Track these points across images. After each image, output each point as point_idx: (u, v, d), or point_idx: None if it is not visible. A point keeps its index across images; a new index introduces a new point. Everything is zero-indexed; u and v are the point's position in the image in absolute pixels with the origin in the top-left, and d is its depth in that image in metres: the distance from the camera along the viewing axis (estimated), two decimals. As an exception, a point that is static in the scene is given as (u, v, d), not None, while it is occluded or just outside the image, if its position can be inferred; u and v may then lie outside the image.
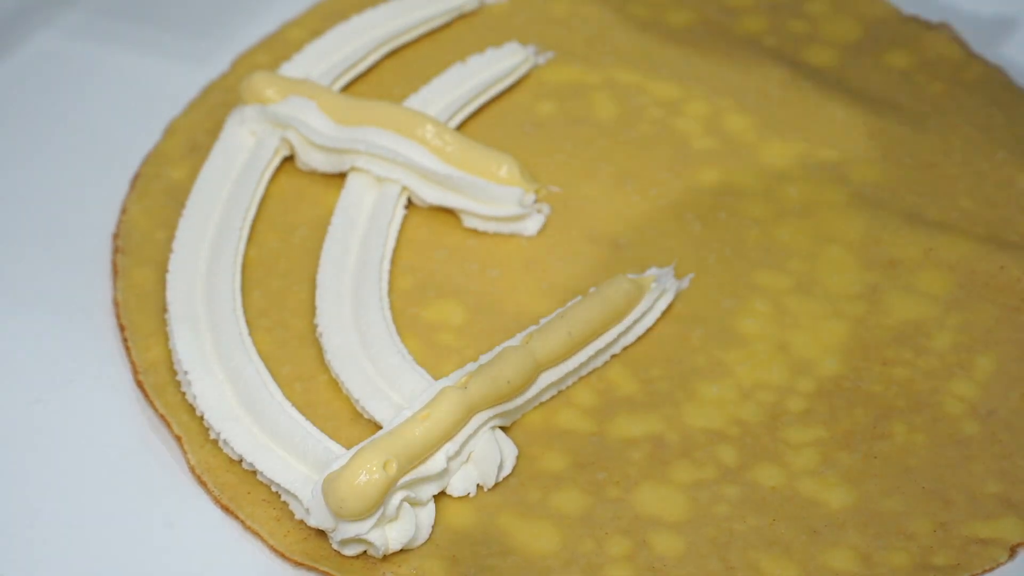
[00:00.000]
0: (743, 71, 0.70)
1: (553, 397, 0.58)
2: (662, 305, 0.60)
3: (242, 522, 0.54)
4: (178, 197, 0.64)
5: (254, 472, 0.55)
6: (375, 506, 0.52)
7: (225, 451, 0.56)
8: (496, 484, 0.55)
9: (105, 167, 0.66)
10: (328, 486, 0.52)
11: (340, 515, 0.52)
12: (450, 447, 0.54)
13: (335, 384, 0.58)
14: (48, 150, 0.67)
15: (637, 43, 0.72)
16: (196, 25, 0.74)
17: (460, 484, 0.55)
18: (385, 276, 0.62)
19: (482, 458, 0.55)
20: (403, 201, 0.64)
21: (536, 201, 0.64)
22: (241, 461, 0.56)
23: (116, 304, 0.61)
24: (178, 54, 0.72)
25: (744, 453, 0.56)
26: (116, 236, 0.63)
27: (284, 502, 0.55)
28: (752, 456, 0.56)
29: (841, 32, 0.72)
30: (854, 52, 0.71)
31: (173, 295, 0.60)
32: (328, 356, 0.58)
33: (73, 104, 0.69)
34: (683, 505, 0.54)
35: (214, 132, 0.67)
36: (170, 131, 0.68)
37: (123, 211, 0.65)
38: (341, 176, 0.65)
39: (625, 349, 0.59)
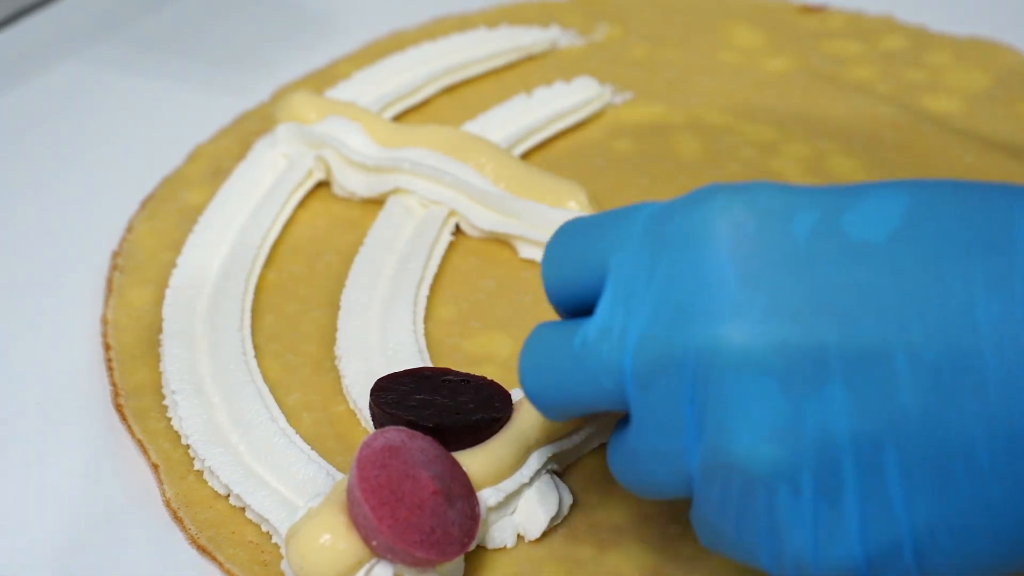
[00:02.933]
0: (851, 113, 0.61)
1: (617, 438, 0.47)
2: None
3: (220, 565, 0.44)
4: (192, 220, 0.56)
5: (242, 508, 0.45)
6: (346, 574, 0.41)
7: (210, 483, 0.46)
8: (541, 536, 0.44)
9: (121, 188, 0.59)
10: (289, 540, 0.42)
11: None
12: (491, 495, 0.43)
13: (351, 415, 0.48)
14: (67, 170, 0.61)
15: (727, 86, 0.63)
16: (239, 60, 0.67)
17: (498, 533, 0.44)
18: (422, 302, 0.52)
19: (531, 503, 0.44)
20: (450, 226, 0.55)
21: (606, 234, 0.55)
22: (228, 495, 0.45)
23: (104, 323, 0.52)
24: (217, 86, 0.65)
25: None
26: (116, 254, 0.55)
27: (276, 544, 0.44)
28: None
29: (967, 80, 0.64)
30: (983, 100, 0.62)
31: (170, 311, 0.51)
32: (347, 382, 0.49)
33: (100, 128, 0.64)
34: (777, 569, 0.43)
35: (241, 158, 0.59)
36: (194, 156, 0.60)
37: (128, 230, 0.56)
38: (379, 204, 0.56)
39: (707, 392, 0.49)
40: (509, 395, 0.45)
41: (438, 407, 0.44)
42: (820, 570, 0.35)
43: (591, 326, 0.38)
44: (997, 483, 0.33)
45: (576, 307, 0.40)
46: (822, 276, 0.34)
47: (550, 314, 0.52)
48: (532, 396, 0.40)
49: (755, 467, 0.34)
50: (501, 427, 0.44)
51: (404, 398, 0.45)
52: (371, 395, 0.45)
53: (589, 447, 0.47)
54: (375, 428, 0.45)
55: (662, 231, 0.37)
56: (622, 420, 0.39)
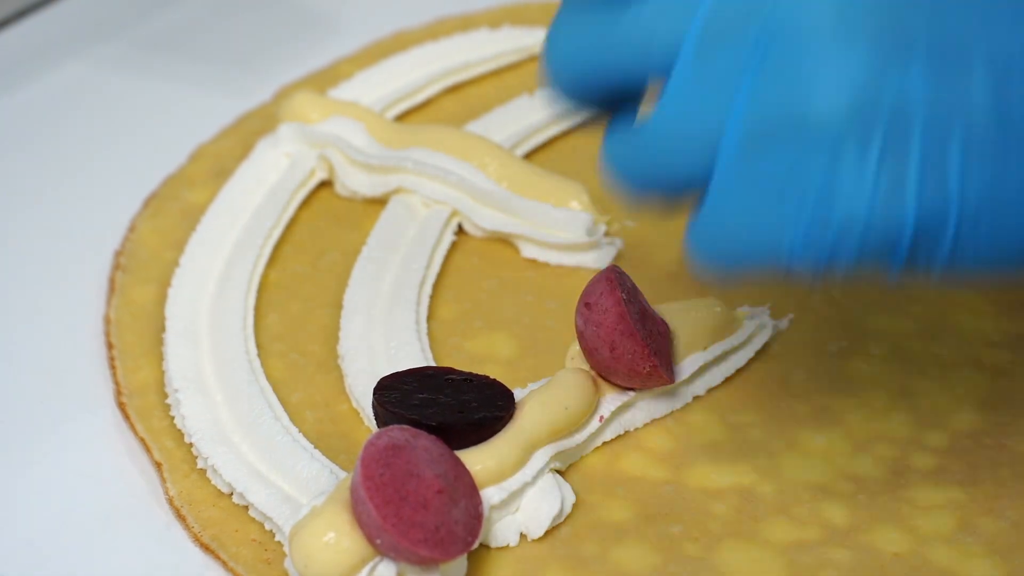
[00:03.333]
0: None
1: (619, 438, 0.47)
2: (756, 344, 0.50)
3: (224, 563, 0.44)
4: (194, 219, 0.56)
5: (245, 507, 0.45)
6: (350, 573, 0.41)
7: (213, 481, 0.46)
8: (544, 534, 0.44)
9: (124, 187, 0.59)
10: (293, 538, 0.42)
11: None
12: (494, 493, 0.43)
13: (355, 414, 0.48)
14: (70, 170, 0.61)
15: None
16: (242, 60, 0.67)
17: (501, 532, 0.44)
18: (425, 301, 0.52)
19: (533, 502, 0.44)
20: (453, 226, 0.55)
21: (607, 234, 0.55)
22: (231, 493, 0.45)
23: (107, 322, 0.52)
24: (220, 86, 0.65)
25: (858, 513, 0.44)
26: (119, 253, 0.55)
27: (279, 543, 0.44)
28: (868, 516, 0.44)
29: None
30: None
31: (173, 310, 0.51)
32: (349, 381, 0.49)
33: (103, 127, 0.64)
34: (779, 568, 0.43)
35: (244, 158, 0.59)
36: (197, 155, 0.60)
37: (131, 229, 0.56)
38: (382, 204, 0.57)
39: (710, 391, 0.49)
40: (512, 394, 0.45)
41: (441, 406, 0.44)
42: (870, 228, 0.36)
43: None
44: None
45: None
46: None
47: (552, 314, 0.52)
48: (555, 61, 0.40)
49: (831, 117, 0.36)
50: (504, 426, 0.44)
51: (407, 397, 0.45)
52: (374, 394, 0.45)
53: (592, 446, 0.47)
54: (378, 427, 0.45)
55: None
56: (627, 109, 0.39)
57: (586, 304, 0.46)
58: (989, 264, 0.37)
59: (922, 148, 0.36)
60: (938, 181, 0.36)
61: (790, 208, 0.37)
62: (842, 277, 0.37)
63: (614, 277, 0.45)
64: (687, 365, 0.48)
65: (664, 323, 0.47)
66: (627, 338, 0.45)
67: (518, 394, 0.46)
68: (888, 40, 0.36)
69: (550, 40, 0.40)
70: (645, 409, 0.47)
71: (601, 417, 0.46)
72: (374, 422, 0.46)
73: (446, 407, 0.44)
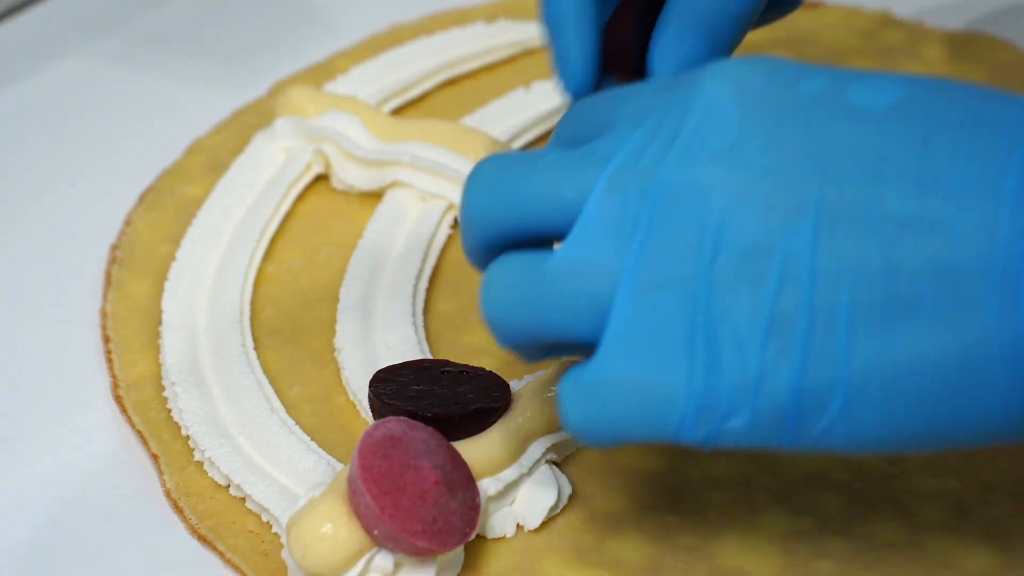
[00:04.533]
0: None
1: (616, 429, 0.47)
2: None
3: (222, 555, 0.44)
4: (191, 213, 0.56)
5: (242, 499, 0.45)
6: (347, 563, 0.41)
7: (211, 473, 0.46)
8: (541, 525, 0.44)
9: (120, 181, 0.59)
10: (291, 529, 0.42)
11: (304, 567, 0.41)
12: (490, 485, 0.43)
13: (352, 407, 0.48)
14: (66, 165, 0.61)
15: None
16: (238, 54, 0.67)
17: (497, 523, 0.44)
18: (422, 295, 0.52)
19: (530, 493, 0.44)
20: (449, 220, 0.55)
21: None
22: (228, 486, 0.45)
23: (104, 315, 0.52)
24: (216, 80, 0.65)
25: (854, 502, 0.44)
26: (115, 247, 0.55)
27: (276, 534, 0.44)
28: (865, 505, 0.44)
29: (964, 75, 0.64)
30: (979, 93, 0.62)
31: (170, 303, 0.52)
32: (346, 374, 0.49)
33: (99, 122, 0.64)
34: (775, 557, 0.43)
35: (240, 152, 0.59)
36: (193, 149, 0.60)
37: (127, 223, 0.57)
38: (378, 197, 0.57)
39: (706, 383, 0.49)
40: (508, 385, 0.45)
41: (437, 397, 0.44)
42: (757, 402, 0.35)
43: (575, 151, 0.38)
44: (933, 339, 0.35)
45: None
46: (817, 128, 0.36)
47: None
48: (468, 213, 0.39)
49: (722, 279, 0.35)
50: (500, 416, 0.44)
51: (403, 389, 0.45)
52: (370, 386, 0.45)
53: (589, 437, 0.47)
54: (375, 419, 0.45)
55: (671, 86, 0.38)
56: (537, 251, 0.38)
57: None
58: (880, 436, 0.36)
59: (810, 311, 0.35)
60: (825, 349, 0.35)
61: (680, 377, 0.36)
62: (732, 446, 0.36)
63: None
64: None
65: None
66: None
67: (514, 386, 0.46)
68: (781, 203, 0.35)
69: (466, 190, 0.40)
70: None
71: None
72: (371, 414, 0.46)
73: (442, 399, 0.44)
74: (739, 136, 0.36)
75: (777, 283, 0.35)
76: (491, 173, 0.39)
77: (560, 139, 0.40)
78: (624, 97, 0.39)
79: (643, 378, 0.36)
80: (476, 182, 0.39)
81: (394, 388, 0.45)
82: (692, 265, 0.36)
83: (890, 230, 0.35)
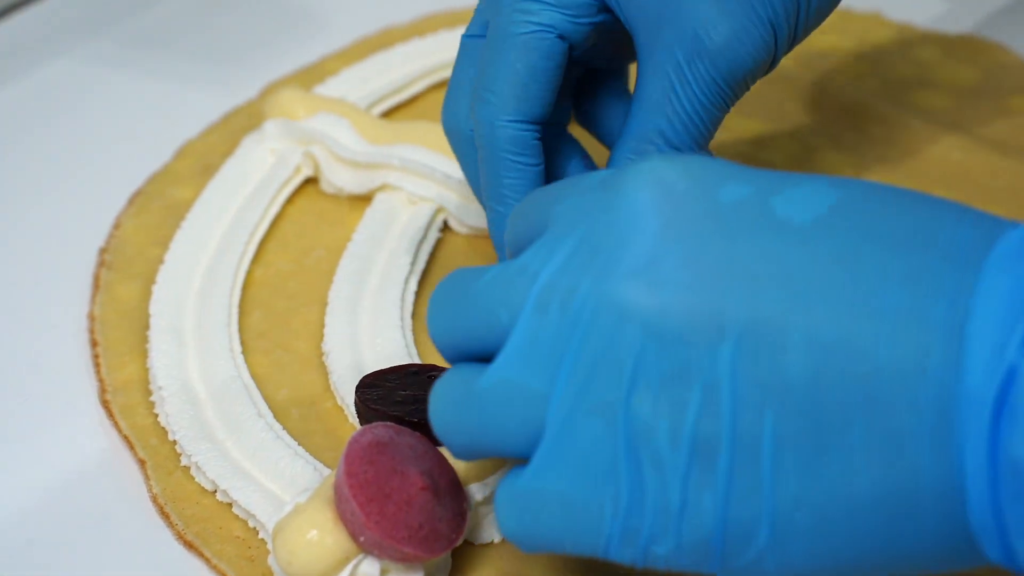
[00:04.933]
0: (840, 108, 0.61)
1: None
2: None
3: (208, 561, 0.44)
4: (180, 215, 0.56)
5: (229, 504, 0.45)
6: (333, 570, 0.41)
7: (197, 479, 0.46)
8: (528, 530, 0.44)
9: (109, 184, 0.59)
10: (277, 535, 0.42)
11: (289, 573, 0.41)
12: (478, 490, 0.43)
13: (339, 411, 0.48)
14: (55, 167, 0.61)
15: (719, 82, 0.63)
16: (228, 56, 0.67)
17: (485, 529, 0.44)
18: (410, 299, 0.52)
19: (512, 499, 0.44)
20: (438, 223, 0.55)
21: (595, 230, 0.55)
22: (215, 491, 0.45)
23: (92, 319, 0.52)
24: (206, 82, 0.65)
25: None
26: (104, 250, 0.55)
27: (262, 540, 0.44)
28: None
29: (955, 77, 0.63)
30: (972, 96, 0.62)
31: (158, 307, 0.51)
32: (334, 378, 0.49)
33: (88, 124, 0.64)
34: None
35: (229, 154, 0.59)
36: (183, 152, 0.60)
37: (116, 226, 0.56)
38: (367, 200, 0.56)
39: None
40: None
41: (423, 402, 0.44)
42: (680, 533, 0.35)
43: (511, 264, 0.37)
44: (862, 472, 0.33)
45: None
46: (739, 242, 0.35)
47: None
48: (430, 318, 0.39)
49: (639, 409, 0.35)
50: (488, 422, 0.44)
51: (389, 394, 0.45)
52: (356, 392, 0.45)
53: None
54: (361, 425, 0.45)
55: (603, 184, 0.37)
56: (471, 367, 0.38)
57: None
58: (814, 569, 0.34)
59: (732, 438, 0.34)
60: (750, 480, 0.34)
61: (606, 500, 0.35)
62: (662, 569, 0.36)
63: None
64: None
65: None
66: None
67: (503, 390, 0.46)
68: (700, 323, 0.34)
69: (428, 307, 0.40)
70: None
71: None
72: (358, 419, 0.46)
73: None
74: (657, 250, 0.35)
75: (697, 410, 0.34)
76: (443, 292, 0.39)
77: (508, 240, 0.40)
78: (561, 195, 0.38)
79: (572, 496, 0.36)
80: (433, 300, 0.40)
81: (380, 393, 0.45)
82: (614, 390, 0.35)
83: (816, 355, 0.33)
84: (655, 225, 0.35)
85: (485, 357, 0.38)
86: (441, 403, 0.38)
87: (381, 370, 0.46)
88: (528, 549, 0.38)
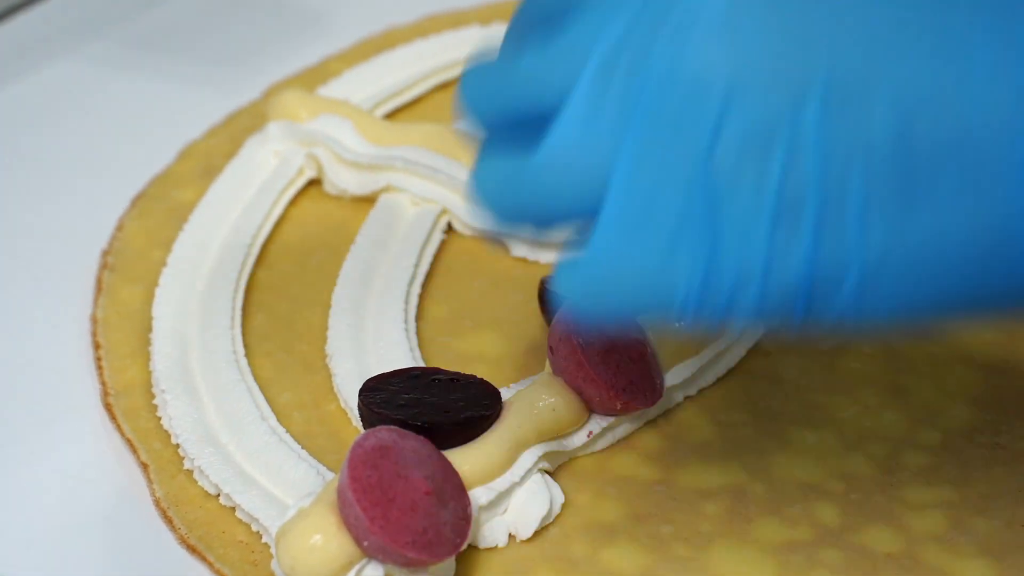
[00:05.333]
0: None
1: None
2: (747, 343, 0.49)
3: (211, 565, 0.43)
4: (183, 218, 0.56)
5: (232, 508, 0.45)
6: (337, 574, 0.41)
7: (200, 482, 0.45)
8: (533, 534, 0.44)
9: (112, 186, 0.59)
10: (280, 540, 0.41)
11: None
12: (482, 494, 0.43)
13: (343, 414, 0.48)
14: (57, 169, 0.61)
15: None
16: (231, 58, 0.67)
17: (489, 533, 0.44)
18: (414, 300, 0.52)
19: (522, 502, 0.44)
20: (442, 224, 0.55)
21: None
22: (218, 495, 0.45)
23: (94, 321, 0.52)
24: (209, 84, 0.65)
25: (849, 512, 0.44)
26: (106, 252, 0.55)
27: (266, 544, 0.44)
28: (860, 516, 0.44)
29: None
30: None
31: (161, 310, 0.51)
32: (338, 381, 0.48)
33: (91, 126, 0.63)
34: (770, 569, 0.43)
35: (232, 156, 0.59)
36: (185, 154, 0.60)
37: (118, 228, 0.56)
38: (371, 202, 0.56)
39: (702, 391, 0.48)
40: (499, 393, 0.45)
41: (427, 406, 0.44)
42: (766, 282, 0.34)
43: (556, 41, 0.36)
44: (953, 217, 0.33)
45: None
46: (821, 4, 0.34)
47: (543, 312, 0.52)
48: (466, 92, 0.38)
49: (723, 162, 0.34)
50: (491, 425, 0.44)
51: (393, 397, 0.44)
52: (360, 395, 0.45)
53: (582, 453, 0.46)
54: (364, 428, 0.45)
55: None
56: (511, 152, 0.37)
57: (550, 347, 0.45)
58: (898, 314, 0.34)
59: (819, 193, 0.33)
60: (836, 230, 0.34)
61: (683, 260, 0.34)
62: (741, 328, 0.36)
63: (570, 322, 0.45)
64: (680, 371, 0.47)
65: (641, 343, 0.46)
66: (590, 383, 0.45)
67: (505, 394, 0.45)
68: (784, 79, 0.33)
69: (464, 74, 0.39)
70: (635, 418, 0.47)
71: (590, 433, 0.46)
72: (361, 423, 0.46)
73: (432, 407, 0.44)
74: (733, 11, 0.34)
75: (783, 164, 0.33)
76: (483, 66, 0.38)
77: (515, 23, 0.38)
78: None
79: (645, 259, 0.35)
80: (468, 74, 0.39)
81: (384, 397, 0.44)
82: (692, 149, 0.34)
83: (905, 104, 0.33)
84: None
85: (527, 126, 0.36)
86: (488, 178, 0.37)
87: (384, 373, 0.46)
88: (598, 319, 0.37)
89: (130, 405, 0.48)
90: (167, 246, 0.54)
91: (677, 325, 0.36)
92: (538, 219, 0.37)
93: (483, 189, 0.37)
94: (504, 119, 0.37)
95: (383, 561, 0.41)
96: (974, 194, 0.33)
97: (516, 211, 0.37)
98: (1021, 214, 0.33)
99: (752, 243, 0.34)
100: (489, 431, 0.44)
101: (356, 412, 0.47)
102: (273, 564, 0.42)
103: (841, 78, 0.33)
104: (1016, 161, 0.33)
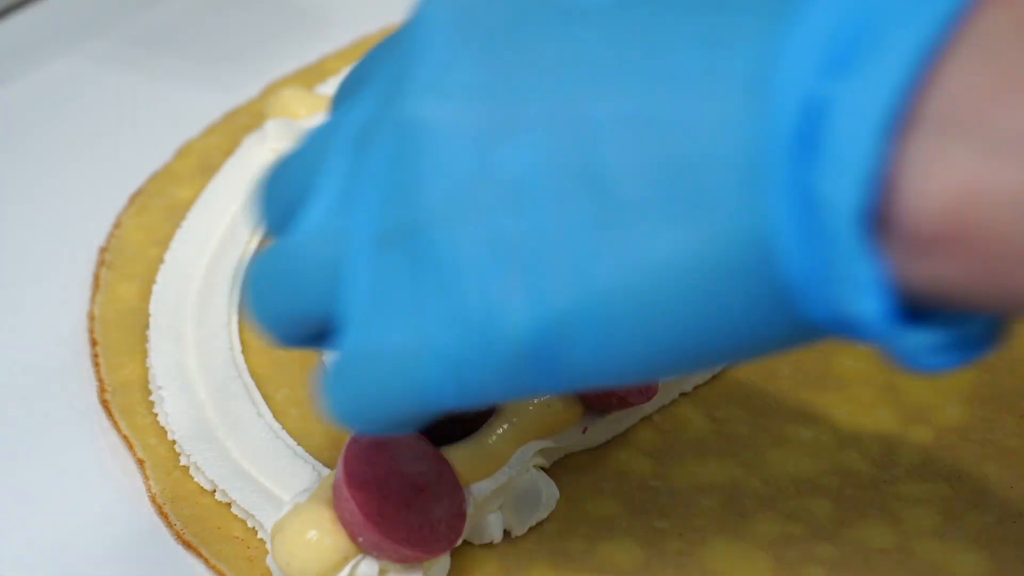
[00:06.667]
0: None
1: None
2: (743, 340, 0.50)
3: (207, 561, 0.43)
4: (180, 215, 0.56)
5: (228, 504, 0.45)
6: (332, 570, 0.41)
7: (196, 478, 0.46)
8: (529, 530, 0.44)
9: (110, 183, 0.59)
10: (276, 536, 0.42)
11: (288, 573, 0.41)
12: (477, 490, 0.43)
13: (339, 411, 0.48)
14: (55, 166, 0.61)
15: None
16: (229, 56, 0.67)
17: (485, 528, 0.44)
18: (411, 298, 0.52)
19: (517, 498, 0.44)
20: (439, 222, 0.55)
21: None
22: (214, 491, 0.45)
23: (91, 318, 0.52)
24: (207, 82, 0.65)
25: (843, 507, 0.44)
26: (104, 249, 0.55)
27: (261, 540, 0.44)
28: (854, 511, 0.44)
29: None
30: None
31: (158, 306, 0.51)
32: (333, 378, 0.48)
33: (89, 123, 0.63)
34: (765, 563, 0.43)
35: (231, 154, 0.59)
36: (184, 151, 0.60)
37: (116, 225, 0.56)
38: (371, 199, 0.56)
39: (697, 387, 0.48)
40: None
41: None
42: (494, 340, 0.32)
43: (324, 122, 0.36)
44: (670, 242, 0.30)
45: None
46: (535, 34, 0.32)
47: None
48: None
49: (434, 237, 0.32)
50: (487, 420, 0.44)
51: None
52: None
53: (579, 446, 0.46)
54: (361, 423, 0.45)
55: (401, 27, 0.35)
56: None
57: None
58: (641, 358, 0.32)
59: (537, 237, 0.31)
60: (559, 271, 0.31)
61: (421, 338, 0.33)
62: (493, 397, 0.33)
63: None
64: (673, 361, 0.47)
65: None
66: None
67: (502, 390, 0.46)
68: (494, 121, 0.32)
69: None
70: (631, 414, 0.47)
71: (585, 428, 0.46)
72: (358, 419, 0.46)
73: None
74: (449, 58, 0.33)
75: (506, 209, 0.31)
76: (268, 172, 0.38)
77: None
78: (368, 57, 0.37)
79: (386, 341, 0.33)
80: (259, 186, 0.39)
81: None
82: (412, 209, 0.32)
83: (617, 131, 0.31)
84: (446, 32, 0.33)
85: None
86: (255, 274, 0.36)
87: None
88: (370, 423, 0.35)
89: (127, 402, 0.49)
90: (165, 244, 0.55)
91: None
92: (294, 309, 0.35)
93: (250, 283, 0.37)
94: (277, 220, 0.37)
95: (378, 557, 0.41)
96: (689, 216, 0.30)
97: (270, 310, 0.36)
98: (738, 227, 0.30)
99: (475, 298, 0.32)
100: (485, 427, 0.44)
101: (352, 408, 0.47)
102: (269, 560, 0.42)
103: (553, 114, 0.31)
104: (728, 172, 0.30)
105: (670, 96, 0.30)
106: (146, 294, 0.52)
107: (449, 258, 0.32)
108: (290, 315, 0.36)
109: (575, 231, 0.31)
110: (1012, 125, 0.27)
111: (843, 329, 0.30)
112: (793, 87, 0.29)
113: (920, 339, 0.29)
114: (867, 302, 0.29)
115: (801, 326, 0.30)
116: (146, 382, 0.49)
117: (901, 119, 0.28)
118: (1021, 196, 0.27)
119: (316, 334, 0.36)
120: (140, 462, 0.46)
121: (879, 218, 0.28)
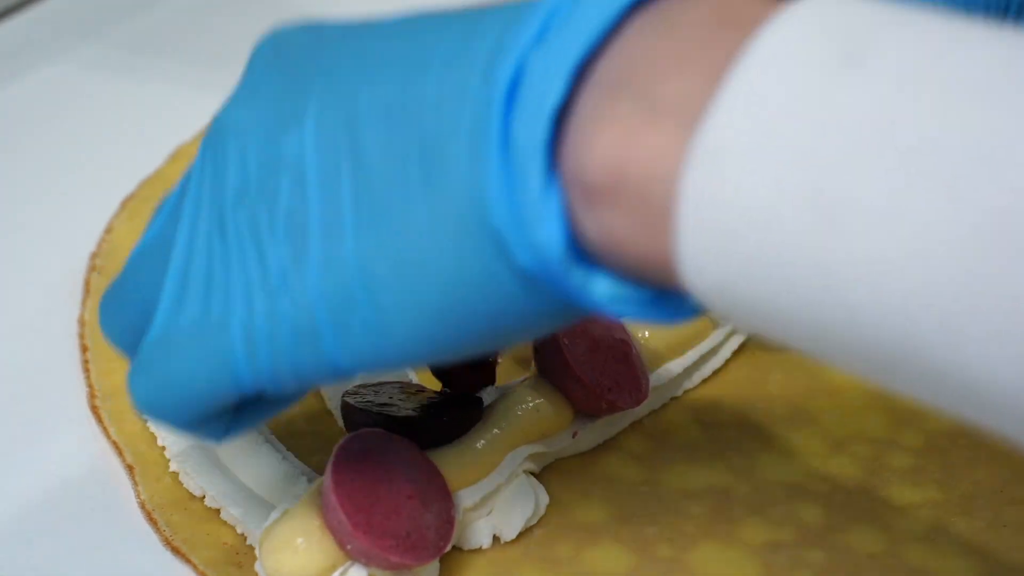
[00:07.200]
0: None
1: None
2: (732, 346, 0.49)
3: (195, 567, 0.43)
4: (172, 220, 0.56)
5: (217, 510, 0.45)
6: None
7: (186, 484, 0.46)
8: (518, 535, 0.44)
9: (101, 188, 0.59)
10: (264, 543, 0.42)
11: None
12: (467, 496, 0.43)
13: (328, 416, 0.48)
14: (47, 171, 0.61)
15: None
16: (221, 60, 0.67)
17: (474, 535, 0.44)
18: (401, 303, 0.52)
19: (506, 503, 0.44)
20: (430, 227, 0.55)
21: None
22: (203, 497, 0.45)
23: (82, 324, 0.52)
24: (199, 86, 0.65)
25: (833, 512, 0.44)
26: (94, 255, 0.55)
27: (250, 547, 0.44)
28: (844, 516, 0.44)
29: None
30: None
31: (148, 312, 0.51)
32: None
33: (81, 128, 0.63)
34: (754, 569, 0.43)
35: (223, 158, 0.59)
36: (176, 156, 0.60)
37: (107, 230, 0.56)
38: (362, 203, 0.56)
39: (687, 392, 0.48)
40: (480, 399, 0.45)
41: (410, 403, 0.44)
42: (290, 326, 0.34)
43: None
44: (422, 216, 0.33)
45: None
46: (326, 50, 0.36)
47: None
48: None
49: (236, 226, 0.36)
50: (474, 420, 0.44)
51: (376, 397, 0.44)
52: (343, 396, 0.45)
53: (567, 453, 0.46)
54: (346, 425, 0.45)
55: None
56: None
57: (535, 348, 0.46)
58: (417, 333, 0.34)
59: (320, 215, 0.34)
60: (338, 246, 0.34)
61: (225, 318, 0.36)
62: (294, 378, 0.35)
63: None
64: (665, 372, 0.47)
65: (625, 342, 0.46)
66: (575, 384, 0.45)
67: (487, 396, 0.46)
68: (282, 116, 0.35)
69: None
70: (620, 418, 0.47)
71: (575, 433, 0.46)
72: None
73: (415, 405, 0.44)
74: (256, 82, 0.37)
75: (288, 194, 0.35)
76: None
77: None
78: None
79: (184, 318, 0.36)
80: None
81: (368, 397, 0.44)
82: (220, 196, 0.36)
83: (376, 114, 0.34)
84: (262, 61, 0.37)
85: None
86: (105, 293, 0.40)
87: (366, 383, 0.46)
88: (170, 408, 0.37)
89: (116, 408, 0.49)
90: (155, 249, 0.55)
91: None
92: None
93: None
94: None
95: (366, 564, 0.41)
96: (434, 187, 0.32)
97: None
98: (469, 195, 0.32)
99: (274, 277, 0.35)
100: (474, 432, 0.44)
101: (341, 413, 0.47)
102: (257, 566, 0.42)
103: (329, 104, 0.35)
104: (460, 143, 0.32)
105: (425, 79, 0.33)
106: (137, 299, 0.52)
107: (247, 233, 0.35)
108: (129, 324, 0.39)
109: (341, 208, 0.34)
110: (671, 91, 0.30)
111: (547, 280, 0.32)
112: (510, 58, 0.32)
113: (606, 287, 0.31)
114: (548, 231, 0.31)
115: (527, 283, 0.32)
116: (136, 388, 0.49)
117: (580, 78, 0.31)
118: (665, 152, 0.29)
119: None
120: (130, 468, 0.46)
121: (561, 169, 0.31)
